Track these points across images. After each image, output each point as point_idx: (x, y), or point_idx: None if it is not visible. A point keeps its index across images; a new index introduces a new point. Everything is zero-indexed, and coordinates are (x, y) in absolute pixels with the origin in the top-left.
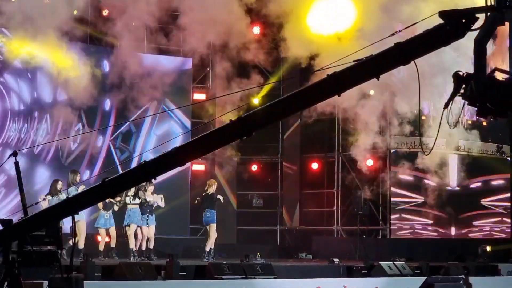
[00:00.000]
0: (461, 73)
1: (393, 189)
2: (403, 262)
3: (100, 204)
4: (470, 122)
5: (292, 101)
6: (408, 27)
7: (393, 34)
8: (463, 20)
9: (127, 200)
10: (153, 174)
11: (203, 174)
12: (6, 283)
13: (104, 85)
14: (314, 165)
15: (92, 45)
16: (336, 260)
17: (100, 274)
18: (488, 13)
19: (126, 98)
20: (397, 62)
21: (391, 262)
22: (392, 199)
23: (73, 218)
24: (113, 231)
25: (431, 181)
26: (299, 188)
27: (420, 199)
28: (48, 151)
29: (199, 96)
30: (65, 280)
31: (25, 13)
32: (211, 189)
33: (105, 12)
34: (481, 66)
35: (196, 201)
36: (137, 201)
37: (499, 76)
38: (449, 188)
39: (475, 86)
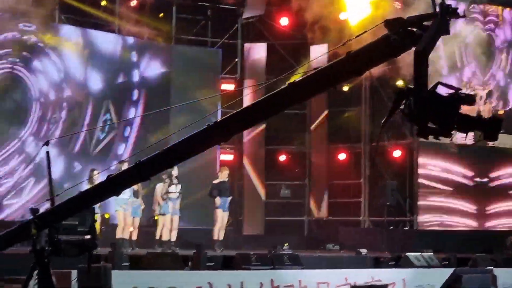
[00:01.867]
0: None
1: (420, 180)
2: (431, 254)
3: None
4: (502, 112)
5: (258, 109)
6: (358, 36)
7: (344, 44)
8: (414, 29)
9: (173, 188)
10: (147, 174)
11: (231, 163)
12: (36, 272)
13: (132, 75)
14: (342, 156)
15: (120, 35)
16: (363, 251)
17: (128, 264)
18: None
19: (154, 88)
20: (350, 73)
21: (419, 253)
22: (419, 190)
23: (92, 213)
24: (137, 221)
25: (459, 172)
26: (327, 178)
27: (448, 190)
28: (76, 141)
29: (227, 87)
30: (93, 269)
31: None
32: (222, 177)
33: (133, 3)
34: (422, 80)
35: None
36: (178, 188)
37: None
38: (477, 179)
39: (414, 103)
